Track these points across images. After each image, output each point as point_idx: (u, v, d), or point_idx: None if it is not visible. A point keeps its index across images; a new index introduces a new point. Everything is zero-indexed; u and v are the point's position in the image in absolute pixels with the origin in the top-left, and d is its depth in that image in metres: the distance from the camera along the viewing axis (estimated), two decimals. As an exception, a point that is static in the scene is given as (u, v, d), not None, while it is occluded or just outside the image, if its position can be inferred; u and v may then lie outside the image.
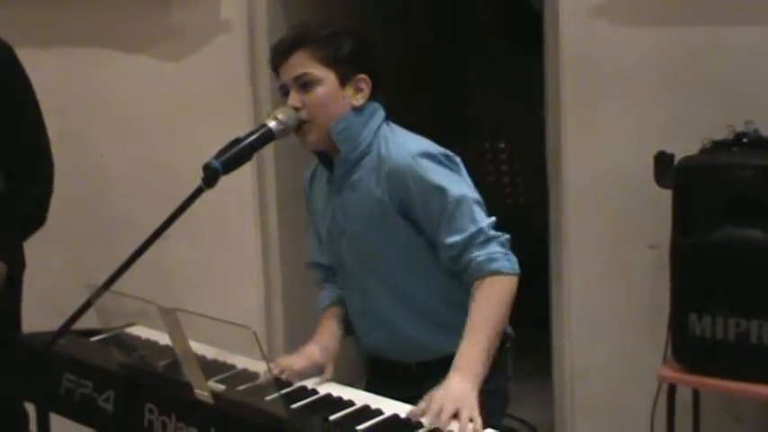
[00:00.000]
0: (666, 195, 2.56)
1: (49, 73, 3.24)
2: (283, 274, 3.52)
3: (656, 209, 2.70)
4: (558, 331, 3.11)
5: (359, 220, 2.01)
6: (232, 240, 3.49)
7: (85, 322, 1.92)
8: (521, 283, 1.91)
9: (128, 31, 3.51)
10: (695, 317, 2.48)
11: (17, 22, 3.28)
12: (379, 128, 2.00)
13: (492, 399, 1.98)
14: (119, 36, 3.52)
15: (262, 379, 1.93)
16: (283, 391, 1.88)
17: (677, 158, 2.59)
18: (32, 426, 2.39)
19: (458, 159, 1.99)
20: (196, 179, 1.82)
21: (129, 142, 3.59)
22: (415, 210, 1.94)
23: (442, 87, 5.49)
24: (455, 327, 1.92)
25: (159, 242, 1.84)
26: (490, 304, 1.87)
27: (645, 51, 2.85)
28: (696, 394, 2.84)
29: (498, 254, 1.88)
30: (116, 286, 1.83)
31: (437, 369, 1.88)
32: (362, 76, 1.98)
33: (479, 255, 1.88)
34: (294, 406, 1.83)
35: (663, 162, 2.64)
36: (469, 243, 1.89)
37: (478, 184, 2.00)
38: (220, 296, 3.35)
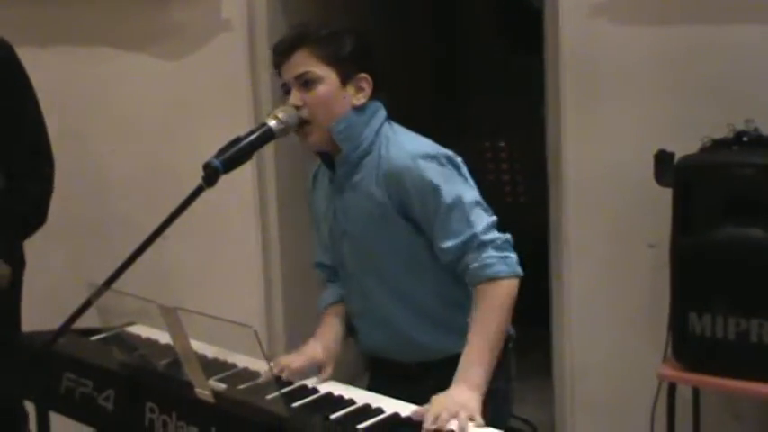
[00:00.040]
0: (666, 194, 2.56)
1: (49, 72, 3.23)
2: (283, 273, 3.52)
3: (656, 208, 2.70)
4: (558, 330, 3.11)
5: (359, 221, 2.01)
6: (232, 239, 3.49)
7: (86, 321, 1.92)
8: (521, 282, 1.91)
9: (128, 31, 3.50)
10: (695, 316, 2.48)
11: (17, 22, 3.28)
12: (380, 127, 2.00)
13: (497, 400, 1.99)
14: (119, 35, 3.52)
15: (262, 378, 1.93)
16: (284, 390, 1.89)
17: (677, 157, 2.59)
18: (32, 425, 2.38)
19: (459, 160, 1.98)
20: (196, 178, 1.82)
21: (129, 141, 3.59)
22: (413, 210, 1.94)
23: (442, 87, 5.49)
24: (455, 327, 1.93)
25: (159, 241, 1.84)
26: (489, 311, 1.87)
27: (645, 50, 2.85)
28: (696, 393, 2.84)
29: (493, 259, 1.87)
30: (116, 285, 1.83)
31: (437, 369, 1.89)
32: (364, 75, 1.98)
33: (474, 261, 1.88)
34: (295, 405, 1.83)
35: (663, 161, 2.64)
36: (464, 249, 1.89)
37: (478, 183, 1.99)
38: (220, 295, 3.35)
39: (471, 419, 1.72)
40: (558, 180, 3.03)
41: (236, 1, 3.35)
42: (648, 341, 2.81)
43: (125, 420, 1.94)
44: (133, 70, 3.52)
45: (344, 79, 1.97)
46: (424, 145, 1.97)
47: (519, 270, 1.90)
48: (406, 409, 1.80)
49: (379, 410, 1.79)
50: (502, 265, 1.88)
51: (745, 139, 2.54)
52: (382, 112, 2.02)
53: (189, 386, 1.80)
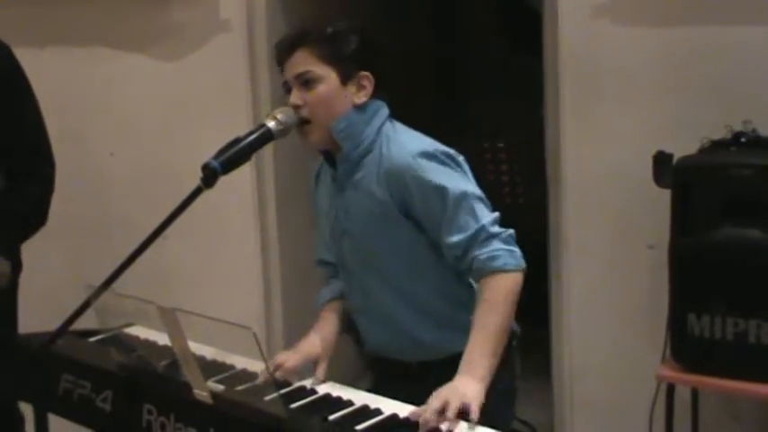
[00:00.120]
0: (665, 195, 2.56)
1: (48, 72, 3.23)
2: (282, 273, 3.53)
3: (654, 209, 2.70)
4: (557, 331, 3.11)
5: (360, 220, 2.01)
6: (231, 240, 3.49)
7: (84, 323, 1.92)
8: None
9: (127, 31, 3.51)
10: (694, 316, 2.48)
11: (16, 22, 3.28)
12: (382, 126, 1.99)
13: (503, 399, 1.99)
14: (118, 35, 3.52)
15: (261, 379, 1.93)
16: (282, 391, 1.88)
17: (676, 158, 2.59)
18: (29, 427, 2.38)
19: (461, 158, 1.98)
20: (195, 179, 1.82)
21: (129, 142, 3.59)
22: (415, 209, 1.94)
23: (442, 87, 5.49)
24: (457, 325, 1.92)
25: (158, 242, 1.84)
26: (495, 303, 1.87)
27: (643, 51, 2.85)
28: (695, 393, 2.84)
29: (501, 251, 1.88)
30: (115, 286, 1.83)
31: (439, 368, 1.89)
32: (365, 73, 1.98)
33: (482, 253, 1.88)
34: (293, 406, 1.83)
35: (661, 162, 2.64)
36: (472, 242, 1.89)
37: (477, 183, 1.99)
38: (219, 295, 3.35)
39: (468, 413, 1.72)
40: (558, 181, 3.03)
41: (236, 1, 3.35)
42: (647, 342, 2.81)
43: (123, 422, 1.94)
44: (132, 71, 3.53)
45: (345, 78, 1.97)
46: (425, 143, 1.97)
47: (524, 264, 1.90)
48: (404, 410, 1.79)
49: (378, 411, 1.79)
50: (509, 258, 1.88)
51: (743, 140, 2.54)
52: (384, 111, 2.02)
53: (187, 387, 1.80)
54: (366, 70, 1.98)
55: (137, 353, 2.15)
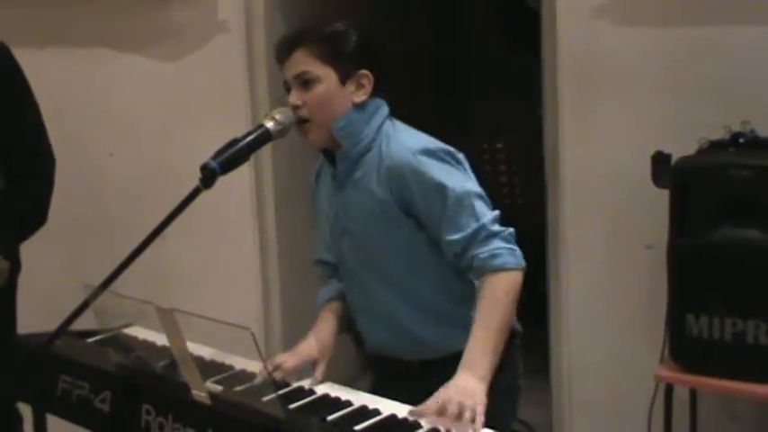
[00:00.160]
0: (664, 195, 2.57)
1: (48, 73, 3.23)
2: (281, 273, 3.53)
3: (653, 209, 2.70)
4: (555, 331, 3.11)
5: (360, 218, 2.01)
6: (230, 240, 3.49)
7: (83, 323, 1.92)
8: (519, 282, 1.91)
9: (125, 32, 3.51)
10: (692, 317, 2.48)
11: (14, 22, 3.28)
12: (381, 124, 2.00)
13: (506, 398, 1.99)
14: (116, 36, 3.52)
15: (259, 379, 1.93)
16: (281, 392, 1.88)
17: (674, 158, 2.59)
18: (28, 427, 2.38)
19: (461, 156, 1.98)
20: (194, 179, 1.82)
21: (127, 142, 3.59)
22: (416, 206, 1.94)
23: (442, 87, 5.49)
24: (459, 321, 1.92)
25: (157, 242, 1.84)
26: (496, 300, 1.87)
27: (642, 51, 2.85)
28: (693, 394, 2.84)
29: (501, 249, 1.88)
30: (114, 286, 1.83)
31: (440, 367, 1.89)
32: (364, 72, 1.98)
33: (483, 252, 1.88)
34: (292, 406, 1.83)
35: (660, 162, 2.64)
36: (472, 240, 1.89)
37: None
38: (218, 296, 3.35)
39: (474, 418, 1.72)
40: (556, 181, 3.03)
41: (234, 2, 3.35)
42: (646, 342, 2.82)
43: (121, 422, 1.94)
44: (131, 71, 3.53)
45: (344, 77, 1.97)
46: (425, 140, 1.97)
47: (524, 263, 1.91)
48: (403, 410, 1.79)
49: (377, 412, 1.79)
50: (509, 257, 1.88)
51: (741, 140, 2.55)
52: (384, 110, 2.02)
53: (186, 388, 1.80)
54: (365, 69, 1.98)
55: (135, 353, 2.15)
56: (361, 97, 1.98)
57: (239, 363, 2.06)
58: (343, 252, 2.08)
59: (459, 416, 1.71)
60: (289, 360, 2.02)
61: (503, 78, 5.27)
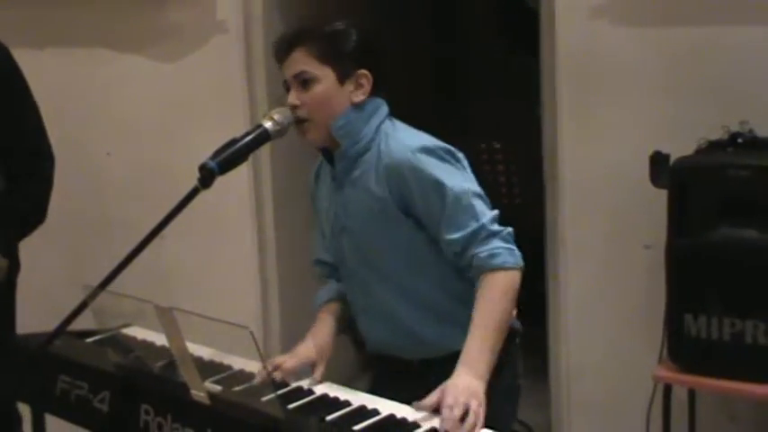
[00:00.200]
0: (662, 195, 2.57)
1: (47, 73, 3.24)
2: (279, 273, 3.53)
3: (651, 209, 2.70)
4: (554, 331, 3.11)
5: (359, 217, 2.01)
6: (229, 240, 3.49)
7: (82, 323, 1.92)
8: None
9: (124, 32, 3.51)
10: (691, 317, 2.48)
11: (13, 23, 3.28)
12: (381, 124, 2.00)
13: (506, 397, 1.99)
14: (115, 36, 3.52)
15: (257, 379, 1.93)
16: (280, 392, 1.88)
17: (673, 158, 2.59)
18: (27, 427, 2.38)
19: (460, 155, 1.98)
20: (192, 179, 1.83)
21: (126, 142, 3.59)
22: (415, 206, 1.94)
23: (442, 87, 5.49)
24: (458, 320, 1.92)
25: (156, 242, 1.84)
26: (494, 299, 1.87)
27: (641, 51, 2.85)
28: (692, 394, 2.84)
29: (501, 249, 1.88)
30: (113, 286, 1.83)
31: (439, 366, 1.88)
32: (363, 71, 1.98)
33: (482, 251, 1.88)
34: (291, 406, 1.83)
35: (658, 162, 2.64)
36: (472, 239, 1.89)
37: (475, 183, 1.99)
38: (217, 296, 3.35)
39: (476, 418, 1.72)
40: (555, 181, 3.03)
41: (232, 2, 3.35)
42: (644, 342, 2.82)
43: (120, 422, 1.94)
44: (130, 71, 3.53)
45: (343, 77, 1.97)
46: (424, 139, 1.97)
47: (522, 262, 1.91)
48: (402, 410, 1.79)
49: (375, 412, 1.79)
50: (509, 256, 1.88)
51: (740, 140, 2.55)
52: (384, 109, 2.02)
53: (184, 388, 1.80)
54: (364, 69, 1.98)
55: (134, 353, 2.15)
56: (359, 97, 1.98)
57: (238, 363, 2.06)
58: (343, 251, 2.08)
59: (462, 418, 1.71)
60: (287, 362, 2.01)
61: (502, 78, 5.27)
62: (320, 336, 2.10)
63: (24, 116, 2.59)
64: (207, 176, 1.82)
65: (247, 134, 1.91)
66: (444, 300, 2.02)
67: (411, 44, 4.91)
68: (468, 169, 1.99)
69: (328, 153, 2.04)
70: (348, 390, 1.94)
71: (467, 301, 1.92)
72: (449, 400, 1.73)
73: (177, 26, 3.43)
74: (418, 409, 1.76)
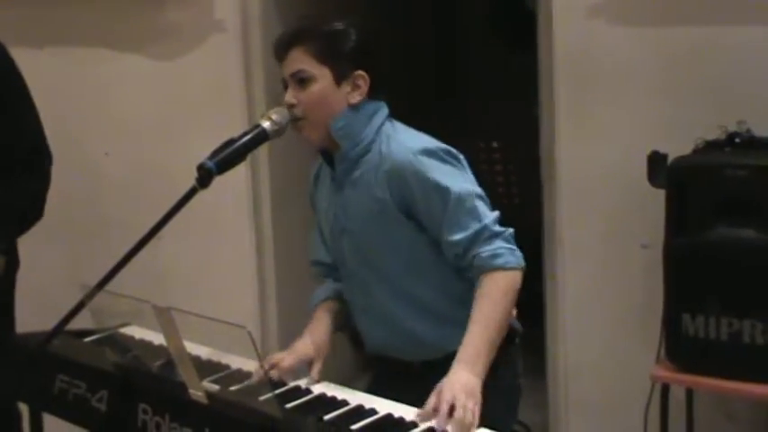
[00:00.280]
0: (660, 195, 2.57)
1: (45, 73, 3.24)
2: (277, 273, 3.53)
3: (649, 208, 2.71)
4: (552, 331, 3.11)
5: (359, 218, 2.01)
6: (226, 240, 3.49)
7: (80, 323, 1.92)
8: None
9: (122, 31, 3.51)
10: (688, 317, 2.48)
11: (12, 22, 3.28)
12: (381, 125, 1.99)
13: (506, 397, 1.99)
14: (113, 36, 3.52)
15: (255, 378, 1.93)
16: (277, 391, 1.88)
17: (670, 158, 2.59)
18: (25, 426, 2.38)
19: (461, 156, 1.99)
20: (190, 179, 1.83)
21: (124, 142, 3.59)
22: (416, 207, 1.95)
23: (442, 87, 5.49)
24: (458, 322, 1.92)
25: (154, 242, 1.84)
26: (495, 298, 1.87)
27: (639, 51, 2.85)
28: (689, 393, 2.84)
29: (503, 249, 1.88)
30: (111, 286, 1.83)
31: (440, 368, 1.88)
32: (360, 73, 1.98)
33: (484, 251, 1.88)
34: (288, 406, 1.83)
35: (656, 162, 2.65)
36: (475, 240, 1.89)
37: (474, 183, 1.99)
38: (214, 296, 3.34)
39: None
40: (552, 180, 3.04)
41: (230, 1, 3.35)
42: (642, 341, 2.82)
43: (118, 421, 1.94)
44: (128, 71, 3.53)
45: (340, 78, 1.97)
46: (425, 140, 1.98)
47: (524, 263, 1.91)
48: (400, 410, 1.80)
49: (373, 411, 1.79)
50: (511, 256, 1.89)
51: (737, 140, 2.55)
52: (384, 111, 2.02)
53: (182, 387, 1.80)
54: (362, 69, 1.98)
55: (132, 353, 2.15)
56: (356, 98, 1.98)
57: (236, 362, 2.06)
58: (343, 252, 2.08)
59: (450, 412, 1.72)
60: (285, 359, 2.02)
61: (502, 78, 5.28)
62: (317, 333, 2.10)
63: (22, 114, 2.59)
64: (205, 176, 1.82)
65: (245, 134, 1.91)
66: (444, 301, 2.02)
67: (411, 44, 4.91)
68: (469, 170, 2.00)
69: (328, 155, 2.04)
70: (346, 389, 1.94)
71: (467, 303, 1.92)
72: (446, 396, 1.73)
73: (175, 26, 3.43)
74: (422, 418, 1.76)
